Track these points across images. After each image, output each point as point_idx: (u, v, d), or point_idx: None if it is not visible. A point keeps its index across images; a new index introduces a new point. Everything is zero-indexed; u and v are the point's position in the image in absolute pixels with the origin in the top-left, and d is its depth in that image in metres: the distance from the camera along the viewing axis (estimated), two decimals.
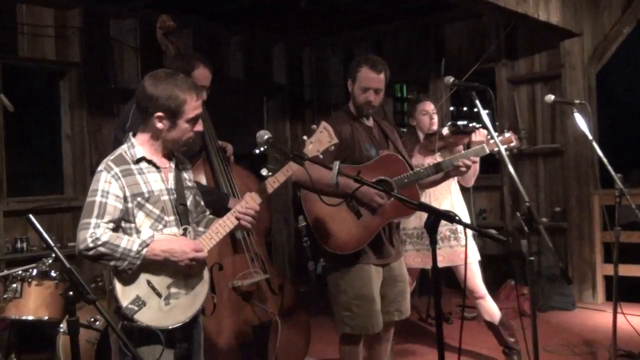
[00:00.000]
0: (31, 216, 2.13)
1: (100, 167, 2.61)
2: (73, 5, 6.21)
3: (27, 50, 5.97)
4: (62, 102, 6.34)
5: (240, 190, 3.76)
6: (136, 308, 2.54)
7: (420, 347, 5.22)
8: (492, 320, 4.51)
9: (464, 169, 3.62)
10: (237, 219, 2.81)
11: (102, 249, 2.48)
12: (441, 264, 4.50)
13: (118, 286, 2.55)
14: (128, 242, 2.53)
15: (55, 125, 6.43)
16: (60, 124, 6.35)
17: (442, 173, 3.69)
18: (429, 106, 4.69)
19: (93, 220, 2.50)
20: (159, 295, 2.61)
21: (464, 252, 4.48)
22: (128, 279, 2.56)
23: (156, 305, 2.60)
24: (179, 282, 2.66)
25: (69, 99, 6.30)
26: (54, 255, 2.35)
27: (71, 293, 2.11)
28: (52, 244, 2.10)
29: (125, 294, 2.55)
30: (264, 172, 3.03)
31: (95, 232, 2.49)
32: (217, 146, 3.80)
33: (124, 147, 2.68)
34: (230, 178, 3.75)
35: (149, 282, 2.60)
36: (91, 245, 2.47)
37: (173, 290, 2.64)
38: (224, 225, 2.79)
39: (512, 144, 3.78)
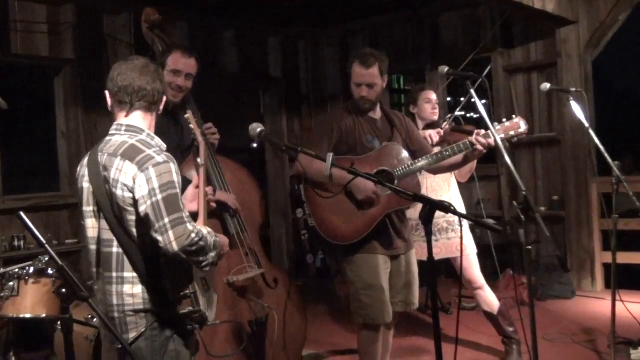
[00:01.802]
0: (22, 213, 2.10)
1: (163, 158, 2.36)
2: (65, 1, 6.17)
3: (20, 47, 5.94)
4: (57, 99, 6.32)
5: (231, 183, 3.72)
6: (206, 309, 2.48)
7: (419, 337, 5.22)
8: (491, 311, 4.51)
9: (479, 147, 3.54)
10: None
11: (201, 242, 2.30)
12: (438, 256, 4.52)
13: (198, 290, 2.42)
14: (206, 234, 2.38)
15: (50, 122, 6.41)
16: (55, 121, 6.33)
17: (461, 156, 3.65)
18: (433, 95, 4.74)
19: (184, 215, 2.30)
20: (209, 291, 2.59)
21: (467, 243, 4.49)
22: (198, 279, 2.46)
23: (210, 303, 2.59)
24: (209, 277, 2.65)
25: (64, 95, 6.28)
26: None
27: (64, 290, 2.09)
28: (44, 241, 2.07)
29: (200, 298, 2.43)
30: (199, 160, 3.07)
31: (195, 225, 2.33)
32: (207, 140, 3.77)
33: (145, 138, 2.47)
34: (220, 172, 3.71)
35: (204, 280, 2.55)
36: (196, 239, 2.28)
37: (210, 286, 2.65)
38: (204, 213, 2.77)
39: (520, 130, 3.61)
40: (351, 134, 3.62)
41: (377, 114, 3.75)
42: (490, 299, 4.53)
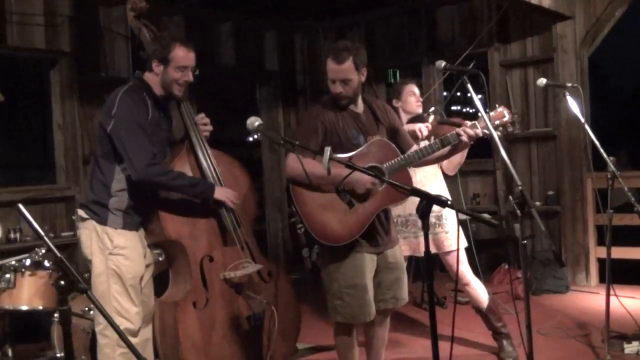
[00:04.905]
0: (20, 205, 2.10)
1: None
2: None
3: (17, 40, 5.91)
4: (53, 91, 6.29)
5: (225, 178, 3.68)
6: None
7: (415, 331, 5.24)
8: (480, 307, 4.51)
9: (465, 138, 3.51)
10: None
11: None
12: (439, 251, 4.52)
13: None
14: None
15: (46, 114, 6.39)
16: (52, 113, 6.31)
17: (448, 148, 3.60)
18: (416, 88, 4.70)
19: None
20: None
21: (448, 239, 4.46)
22: None
23: None
24: None
25: (60, 88, 6.25)
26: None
27: (62, 282, 2.09)
28: (42, 234, 2.08)
29: None
30: None
31: None
32: (199, 134, 3.67)
33: None
34: (214, 166, 3.65)
35: None
36: None
37: None
38: None
39: (505, 119, 3.57)
40: (334, 129, 3.53)
41: (360, 107, 3.65)
42: (479, 294, 4.52)
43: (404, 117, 4.63)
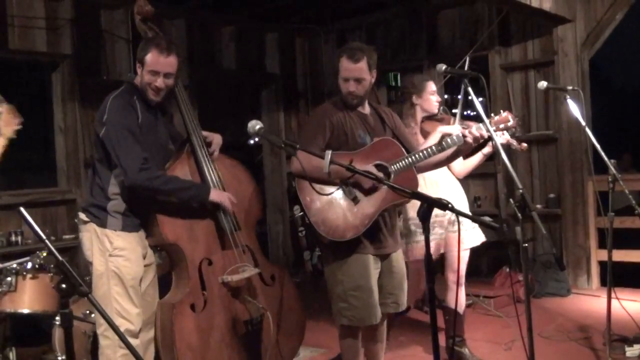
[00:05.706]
0: (22, 209, 2.11)
1: None
2: None
3: (18, 43, 5.92)
4: (54, 94, 6.30)
5: (226, 181, 3.66)
6: None
7: (416, 333, 5.23)
8: (458, 310, 4.45)
9: (470, 139, 3.54)
10: None
11: None
12: (439, 252, 4.50)
13: None
14: None
15: (47, 117, 6.40)
16: (53, 116, 6.32)
17: (450, 151, 3.60)
18: (434, 86, 4.62)
19: None
20: None
21: (466, 237, 4.44)
22: None
23: None
24: None
25: (61, 91, 6.27)
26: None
27: (64, 286, 2.09)
28: (44, 237, 2.09)
29: None
30: None
31: None
32: (200, 138, 3.62)
33: None
34: (215, 169, 3.63)
35: None
36: None
37: None
38: None
39: (509, 123, 3.63)
40: (342, 129, 3.55)
41: (366, 109, 3.69)
42: (462, 298, 4.55)
43: (420, 115, 4.53)
